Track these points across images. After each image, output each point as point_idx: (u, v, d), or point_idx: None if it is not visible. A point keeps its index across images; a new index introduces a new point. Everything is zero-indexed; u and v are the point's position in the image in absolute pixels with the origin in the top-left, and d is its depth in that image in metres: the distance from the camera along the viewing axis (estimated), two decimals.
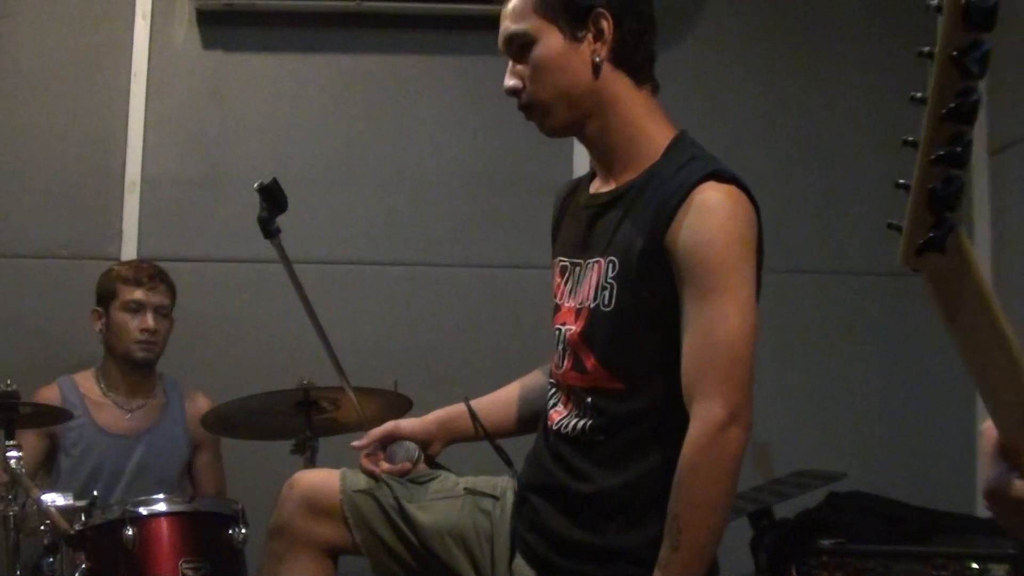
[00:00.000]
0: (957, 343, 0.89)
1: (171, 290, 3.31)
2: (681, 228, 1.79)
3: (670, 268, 1.81)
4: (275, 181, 2.27)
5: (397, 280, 3.74)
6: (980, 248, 3.75)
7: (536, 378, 2.22)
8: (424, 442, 2.14)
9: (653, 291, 1.83)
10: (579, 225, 2.02)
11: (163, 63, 3.75)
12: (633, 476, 1.88)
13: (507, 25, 1.96)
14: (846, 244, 3.80)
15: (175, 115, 3.75)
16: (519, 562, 1.97)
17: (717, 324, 1.74)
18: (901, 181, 0.80)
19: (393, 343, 3.69)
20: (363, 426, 2.40)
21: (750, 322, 1.76)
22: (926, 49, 0.76)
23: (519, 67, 1.95)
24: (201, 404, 3.28)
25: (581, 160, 3.42)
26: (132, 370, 3.26)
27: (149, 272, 3.26)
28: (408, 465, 2.09)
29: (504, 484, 2.08)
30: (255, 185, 2.26)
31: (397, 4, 3.73)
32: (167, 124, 3.74)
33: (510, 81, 1.96)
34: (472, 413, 2.16)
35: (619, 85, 1.94)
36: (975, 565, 2.59)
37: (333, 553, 2.06)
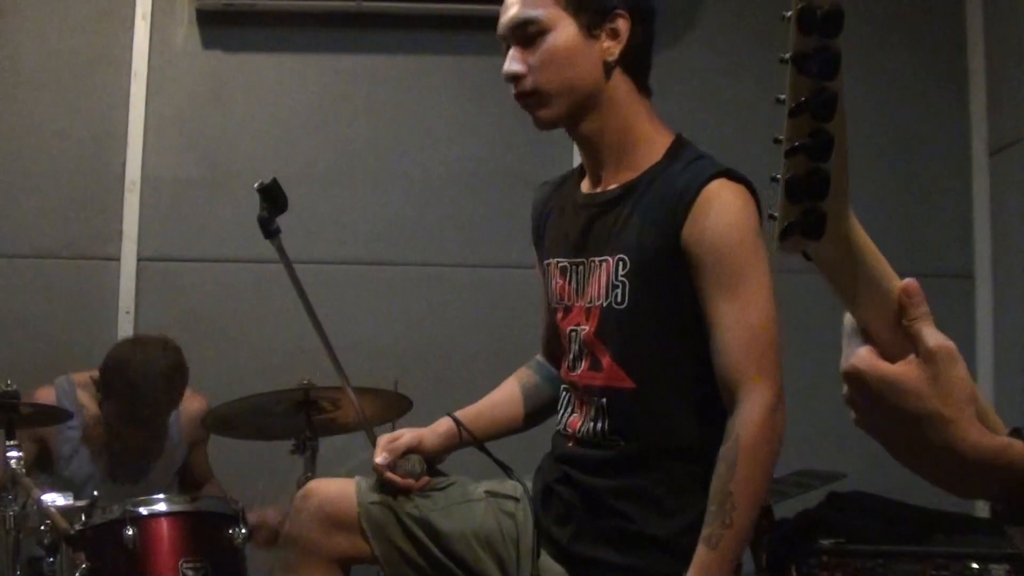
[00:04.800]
0: (854, 311, 0.94)
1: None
2: (699, 225, 1.82)
3: (686, 264, 1.84)
4: (275, 181, 2.27)
5: (397, 280, 3.74)
6: (980, 247, 3.75)
7: (512, 385, 2.24)
8: (435, 454, 2.14)
9: (668, 288, 1.86)
10: (576, 225, 2.02)
11: (163, 63, 3.75)
12: (658, 473, 1.92)
13: (519, 10, 1.92)
14: None
15: (175, 115, 3.75)
16: (546, 560, 1.98)
17: (751, 313, 1.81)
18: (775, 175, 0.87)
19: (393, 343, 3.69)
20: (363, 426, 2.40)
21: (774, 309, 1.84)
22: (785, 56, 0.85)
23: (525, 53, 1.92)
24: (196, 405, 3.25)
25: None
26: None
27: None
28: (412, 482, 2.07)
29: (521, 488, 2.09)
30: (255, 185, 2.26)
31: (397, 4, 3.73)
32: (167, 124, 3.74)
33: (514, 66, 1.93)
34: (459, 424, 2.15)
35: (623, 88, 1.95)
36: (975, 565, 2.59)
37: (346, 564, 2.05)
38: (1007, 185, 3.66)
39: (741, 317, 1.80)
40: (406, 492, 2.05)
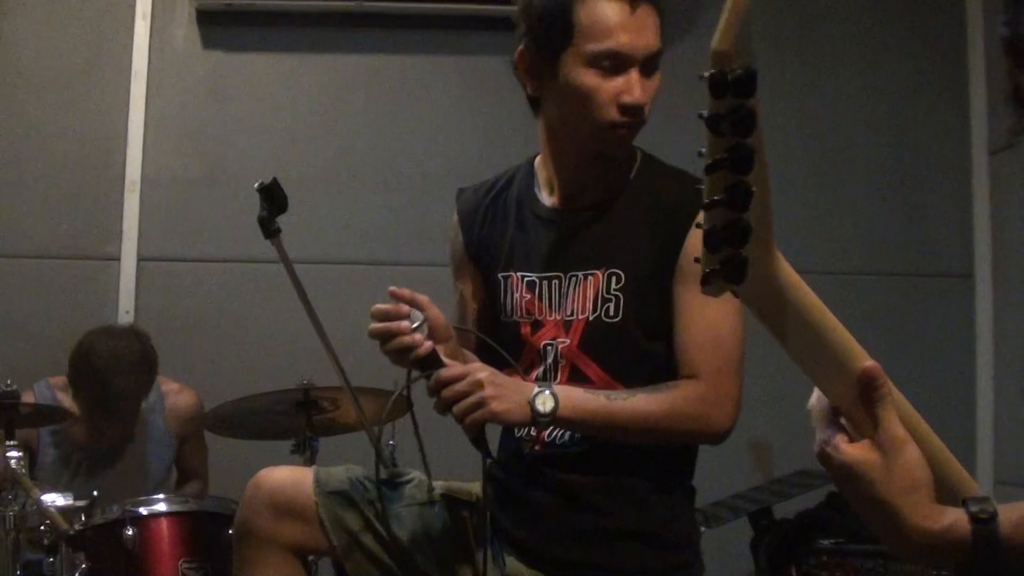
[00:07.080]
0: (785, 346, 0.98)
1: None
2: (698, 239, 1.82)
3: (674, 274, 1.88)
4: (275, 181, 2.26)
5: (397, 280, 3.72)
6: (980, 247, 3.75)
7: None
8: (435, 329, 2.04)
9: (661, 300, 1.89)
10: (545, 239, 2.00)
11: (163, 63, 3.75)
12: (641, 469, 1.92)
13: (653, 39, 1.88)
14: (845, 244, 3.79)
15: (175, 115, 3.76)
16: (513, 564, 1.96)
17: (723, 322, 1.85)
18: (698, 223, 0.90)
19: None
20: (363, 426, 2.40)
21: (742, 330, 1.88)
22: (703, 113, 0.87)
23: (647, 83, 1.88)
24: (184, 399, 3.25)
25: None
26: None
27: None
28: (420, 338, 1.97)
29: (479, 490, 2.05)
30: (255, 185, 2.25)
31: (397, 4, 3.74)
32: (167, 124, 3.75)
33: (645, 97, 1.88)
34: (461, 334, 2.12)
35: None
36: None
37: (302, 554, 2.00)
38: (1007, 185, 3.66)
39: (713, 323, 1.86)
40: (411, 347, 1.96)
